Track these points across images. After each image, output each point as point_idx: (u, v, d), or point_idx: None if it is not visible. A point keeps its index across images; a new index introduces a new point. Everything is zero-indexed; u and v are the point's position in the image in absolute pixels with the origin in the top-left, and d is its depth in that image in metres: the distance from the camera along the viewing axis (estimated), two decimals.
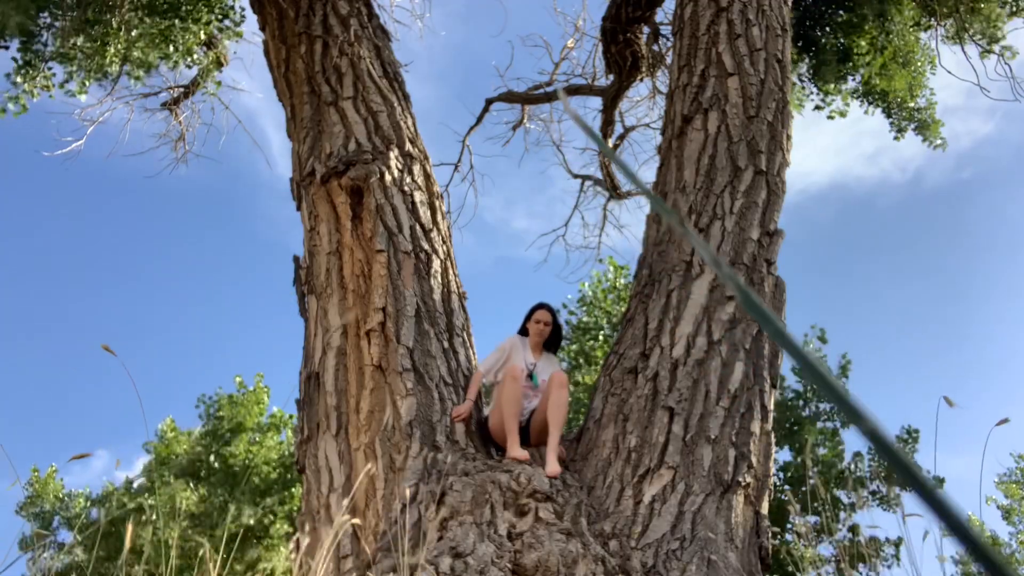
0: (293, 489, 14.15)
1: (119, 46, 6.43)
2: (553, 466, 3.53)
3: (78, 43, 6.27)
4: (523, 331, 4.42)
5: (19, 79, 6.68)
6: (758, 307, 0.54)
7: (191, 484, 13.68)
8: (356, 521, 3.45)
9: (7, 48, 6.49)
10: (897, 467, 0.45)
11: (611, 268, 14.28)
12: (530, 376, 4.11)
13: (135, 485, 14.68)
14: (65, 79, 6.86)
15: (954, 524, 0.43)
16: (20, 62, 6.60)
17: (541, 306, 4.42)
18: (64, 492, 15.38)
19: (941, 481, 12.00)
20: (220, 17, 7.13)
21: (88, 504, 15.11)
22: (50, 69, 6.76)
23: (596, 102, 9.14)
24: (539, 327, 4.35)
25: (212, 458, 14.15)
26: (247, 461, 14.13)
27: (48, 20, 6.36)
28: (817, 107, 9.22)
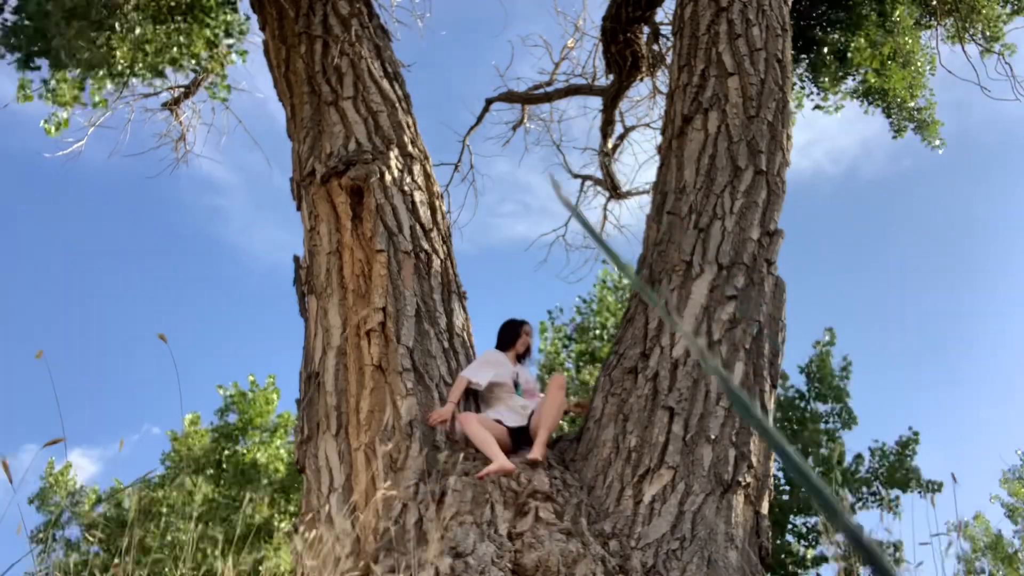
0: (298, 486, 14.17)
1: (125, 50, 6.47)
2: (537, 451, 3.65)
3: (84, 48, 6.32)
4: (505, 345, 4.48)
5: (49, 95, 6.81)
6: (743, 402, 0.55)
7: (201, 480, 13.70)
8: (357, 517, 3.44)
9: (39, 69, 6.61)
10: (871, 563, 0.47)
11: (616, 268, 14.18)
12: (515, 386, 4.27)
13: (149, 477, 14.69)
14: (93, 87, 6.97)
15: None
16: (50, 78, 6.72)
17: (525, 322, 4.60)
18: (76, 487, 15.36)
19: (939, 486, 11.97)
20: (225, 24, 7.17)
21: (97, 500, 15.11)
22: (76, 78, 6.85)
23: (596, 102, 9.14)
24: (528, 340, 4.52)
25: (226, 453, 14.16)
26: (257, 459, 14.14)
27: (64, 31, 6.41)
28: (817, 107, 9.23)
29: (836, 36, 8.54)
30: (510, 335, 4.50)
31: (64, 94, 6.86)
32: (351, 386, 4.05)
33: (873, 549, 0.46)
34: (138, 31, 6.37)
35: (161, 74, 7.11)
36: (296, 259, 4.86)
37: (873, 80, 8.61)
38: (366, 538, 3.44)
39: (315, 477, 3.87)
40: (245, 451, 14.34)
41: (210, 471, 13.98)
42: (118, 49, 6.41)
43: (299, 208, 5.00)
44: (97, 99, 7.16)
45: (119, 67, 6.57)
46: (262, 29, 5.98)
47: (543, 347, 14.17)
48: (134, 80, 7.13)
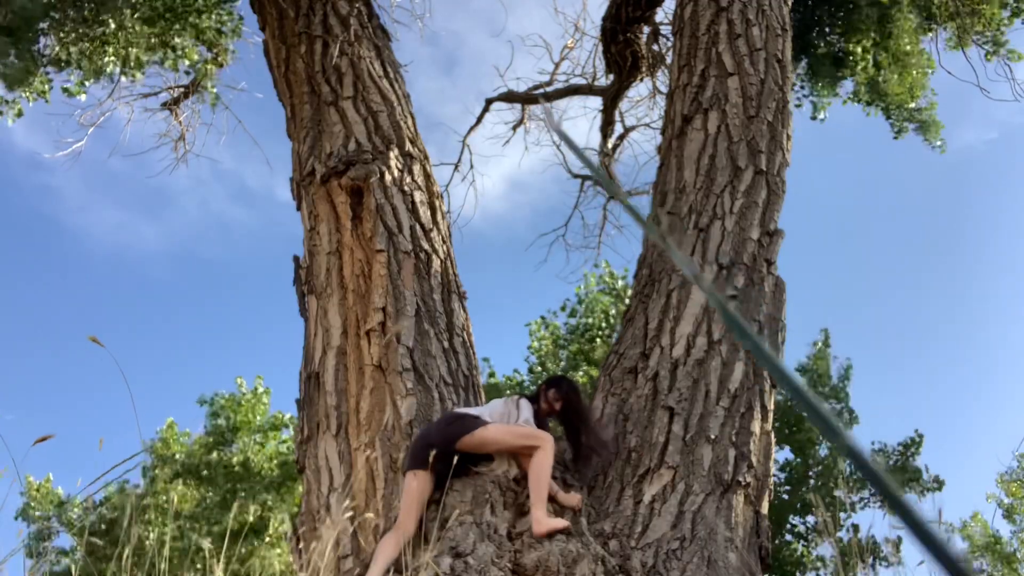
0: (291, 484, 14.15)
1: (117, 47, 6.45)
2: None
3: (73, 43, 6.29)
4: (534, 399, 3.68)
5: (14, 86, 6.73)
6: (736, 321, 0.55)
7: (189, 483, 13.69)
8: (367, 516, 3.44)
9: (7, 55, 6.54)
10: (874, 482, 0.47)
11: (606, 270, 14.22)
12: None
13: (131, 485, 14.69)
14: (67, 77, 6.92)
15: (924, 536, 0.44)
16: (17, 64, 6.63)
17: (560, 383, 3.74)
18: (63, 498, 15.36)
19: (940, 483, 12.00)
20: (217, 25, 7.16)
21: (85, 510, 15.08)
22: (47, 74, 6.79)
23: (596, 102, 9.14)
24: (553, 404, 3.65)
25: (215, 456, 14.15)
26: (249, 460, 14.12)
27: (46, 25, 6.37)
28: (819, 109, 9.23)
29: (835, 40, 8.54)
30: (538, 391, 3.73)
31: (28, 84, 6.72)
32: (351, 386, 4.05)
33: (876, 470, 0.47)
34: (131, 30, 6.36)
35: (142, 67, 7.06)
36: (296, 259, 4.86)
37: (872, 84, 8.61)
38: (366, 538, 3.44)
39: (315, 477, 3.87)
40: (239, 452, 14.32)
41: (204, 472, 13.96)
42: (111, 46, 6.39)
43: (299, 208, 5.00)
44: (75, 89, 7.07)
45: (108, 62, 6.54)
46: (262, 29, 5.98)
47: (533, 346, 14.19)
48: (123, 76, 7.11)
